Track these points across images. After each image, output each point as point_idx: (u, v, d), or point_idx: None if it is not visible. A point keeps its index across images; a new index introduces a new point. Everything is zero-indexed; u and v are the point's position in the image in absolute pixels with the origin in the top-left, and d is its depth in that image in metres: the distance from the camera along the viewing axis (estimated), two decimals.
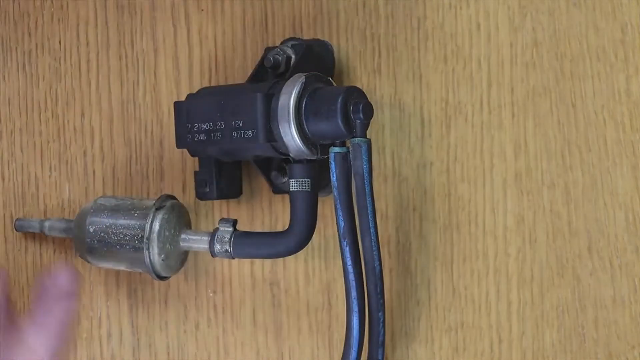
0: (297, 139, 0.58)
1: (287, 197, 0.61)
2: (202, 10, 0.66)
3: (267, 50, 0.62)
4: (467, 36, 0.65)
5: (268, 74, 0.62)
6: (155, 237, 0.61)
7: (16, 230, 0.66)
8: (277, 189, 0.64)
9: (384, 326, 0.60)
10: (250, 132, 0.59)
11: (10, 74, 0.66)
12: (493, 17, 0.65)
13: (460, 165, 0.65)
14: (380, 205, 0.65)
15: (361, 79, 0.65)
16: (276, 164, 0.63)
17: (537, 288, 0.65)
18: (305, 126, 0.58)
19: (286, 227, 0.60)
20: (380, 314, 0.60)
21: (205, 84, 0.66)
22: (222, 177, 0.63)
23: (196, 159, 0.64)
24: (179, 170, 0.66)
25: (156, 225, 0.61)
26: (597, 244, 0.64)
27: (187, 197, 0.66)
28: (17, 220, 0.66)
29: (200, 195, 0.63)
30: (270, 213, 0.66)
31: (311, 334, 0.66)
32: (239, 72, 0.66)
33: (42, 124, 0.66)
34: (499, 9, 0.65)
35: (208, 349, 0.66)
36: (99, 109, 0.66)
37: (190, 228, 0.63)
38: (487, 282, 0.65)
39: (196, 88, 0.65)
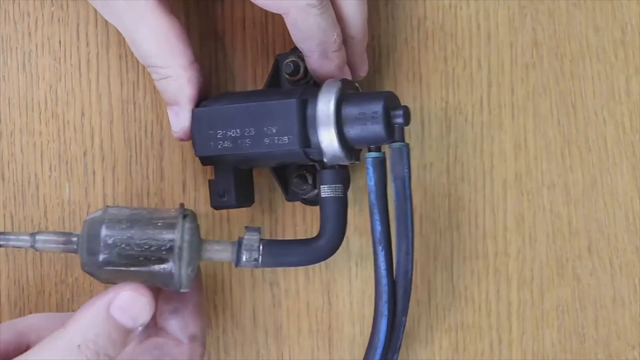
0: (336, 144, 0.58)
1: (291, 204, 0.61)
2: (202, 10, 0.66)
3: (281, 57, 0.62)
4: (467, 36, 0.65)
5: (283, 81, 0.62)
6: (187, 247, 0.56)
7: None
8: (293, 196, 0.64)
9: (404, 330, 0.60)
10: (286, 139, 0.58)
11: (10, 74, 0.66)
12: (493, 17, 0.65)
13: (460, 166, 0.65)
14: None
15: (361, 79, 0.65)
16: (294, 171, 0.63)
17: (537, 288, 0.65)
18: (344, 131, 0.58)
19: (288, 235, 0.60)
20: (404, 318, 0.60)
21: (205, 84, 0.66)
22: (240, 185, 0.63)
23: (198, 159, 0.64)
24: (179, 170, 0.66)
25: (186, 235, 0.56)
26: (597, 244, 0.64)
27: (187, 197, 0.66)
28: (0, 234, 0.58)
29: (217, 204, 0.63)
30: (270, 220, 0.66)
31: (311, 334, 0.66)
32: (239, 72, 0.66)
33: (42, 124, 0.66)
34: (499, 9, 0.65)
35: (208, 349, 0.66)
36: (99, 109, 0.66)
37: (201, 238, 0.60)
38: (487, 282, 0.65)
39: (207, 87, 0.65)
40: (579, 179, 0.65)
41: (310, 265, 0.65)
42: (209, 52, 0.66)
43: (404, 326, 0.60)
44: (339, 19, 0.60)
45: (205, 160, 0.62)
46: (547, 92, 0.65)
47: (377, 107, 0.57)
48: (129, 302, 0.55)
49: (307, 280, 0.66)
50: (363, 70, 0.63)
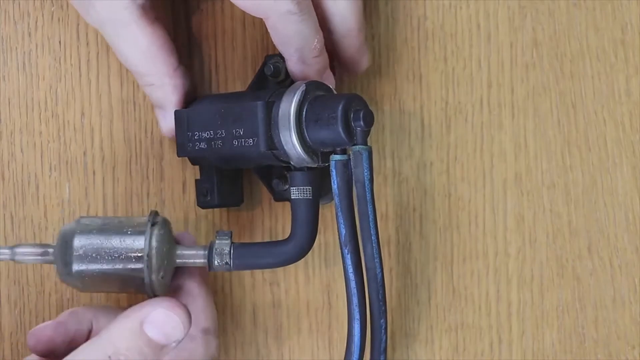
0: (297, 146, 0.58)
1: (288, 204, 0.61)
2: (202, 10, 0.66)
3: (268, 58, 0.62)
4: (467, 36, 0.65)
5: (269, 82, 0.62)
6: (155, 254, 0.58)
7: None
8: (279, 197, 0.64)
9: (385, 333, 0.60)
10: (251, 140, 0.58)
11: (10, 74, 0.66)
12: (493, 17, 0.65)
13: (460, 165, 0.65)
14: (380, 205, 0.65)
15: (361, 79, 0.65)
16: (277, 172, 0.63)
17: (537, 288, 0.65)
18: (305, 134, 0.58)
19: (287, 234, 0.60)
20: (382, 320, 0.60)
21: (205, 85, 0.66)
22: (224, 185, 0.63)
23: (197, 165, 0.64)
24: (179, 170, 0.66)
25: (154, 242, 0.58)
26: (597, 244, 0.64)
27: (188, 198, 0.66)
28: None
29: (202, 204, 0.63)
30: (270, 220, 0.66)
31: (311, 334, 0.66)
32: (239, 73, 0.66)
33: (42, 124, 0.66)
34: (499, 9, 0.65)
35: None
36: (99, 109, 0.66)
37: (175, 243, 0.60)
38: (487, 282, 0.65)
39: (195, 88, 0.65)
40: (579, 179, 0.65)
41: (310, 266, 0.65)
42: (209, 52, 0.66)
43: (385, 328, 0.60)
44: (331, 17, 0.59)
45: (190, 160, 0.63)
46: (547, 92, 0.65)
47: (335, 110, 0.57)
48: (163, 320, 0.55)
49: (307, 280, 0.66)
50: (363, 63, 0.62)
